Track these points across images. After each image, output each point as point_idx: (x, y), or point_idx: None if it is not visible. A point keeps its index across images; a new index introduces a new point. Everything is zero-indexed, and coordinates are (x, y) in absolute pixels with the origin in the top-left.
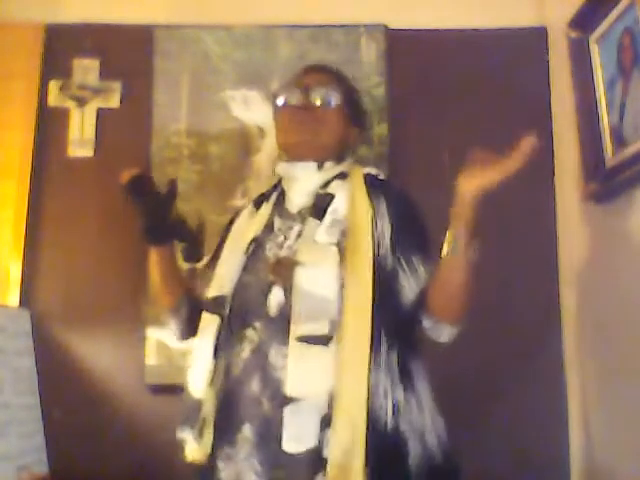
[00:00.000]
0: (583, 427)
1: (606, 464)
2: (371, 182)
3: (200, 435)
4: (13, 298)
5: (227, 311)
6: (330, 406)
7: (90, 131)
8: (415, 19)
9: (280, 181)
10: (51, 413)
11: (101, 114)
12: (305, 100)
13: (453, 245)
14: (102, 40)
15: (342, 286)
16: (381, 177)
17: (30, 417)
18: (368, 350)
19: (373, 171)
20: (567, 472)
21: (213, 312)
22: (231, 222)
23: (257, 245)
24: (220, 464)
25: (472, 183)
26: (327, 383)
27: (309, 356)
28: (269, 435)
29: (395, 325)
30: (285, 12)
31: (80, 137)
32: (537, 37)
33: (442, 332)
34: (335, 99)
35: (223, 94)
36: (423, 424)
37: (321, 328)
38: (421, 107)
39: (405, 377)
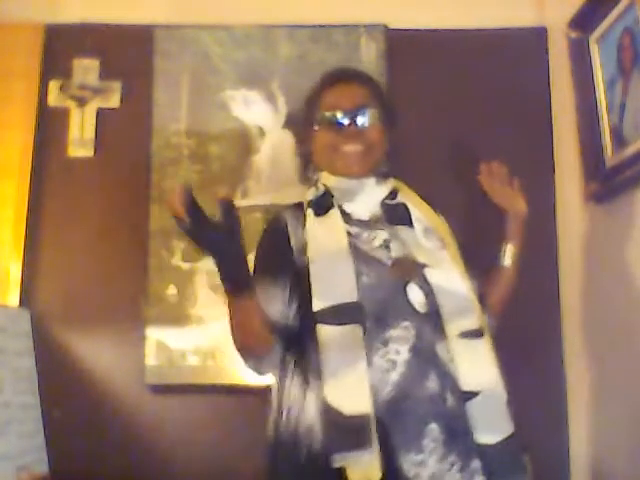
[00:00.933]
0: (583, 427)
1: (606, 464)
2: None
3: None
4: (13, 298)
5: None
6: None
7: (90, 131)
8: (415, 19)
9: (328, 190)
10: (51, 413)
11: (101, 114)
12: (350, 125)
13: (513, 257)
14: (102, 40)
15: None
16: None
17: (30, 417)
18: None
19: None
20: (567, 472)
21: (343, 322)
22: (272, 230)
23: (353, 249)
24: (409, 473)
25: (523, 205)
26: (494, 372)
27: (474, 350)
28: (458, 430)
29: None
30: (285, 12)
31: (80, 137)
32: (537, 37)
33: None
34: (376, 116)
35: (223, 94)
36: None
37: (474, 322)
38: (421, 107)
39: None
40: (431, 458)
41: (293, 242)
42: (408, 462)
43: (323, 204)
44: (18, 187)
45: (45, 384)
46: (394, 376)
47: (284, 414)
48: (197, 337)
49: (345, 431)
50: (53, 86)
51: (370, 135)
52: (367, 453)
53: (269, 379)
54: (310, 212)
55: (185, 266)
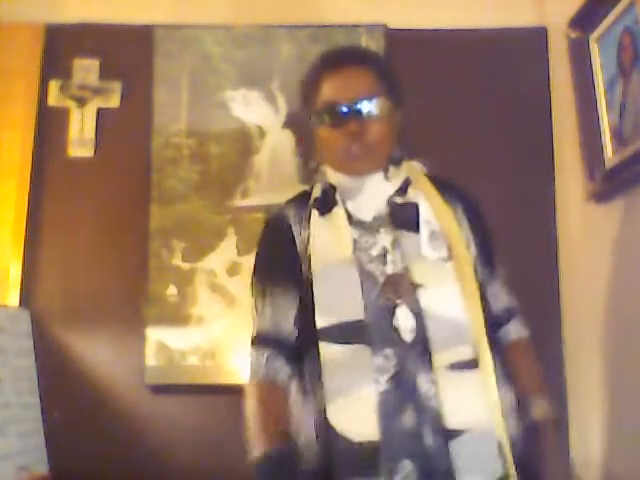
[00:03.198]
0: (583, 427)
1: (606, 464)
2: (442, 187)
3: None
4: (13, 298)
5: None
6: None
7: (90, 131)
8: (415, 19)
9: (331, 187)
10: (51, 413)
11: (101, 114)
12: (354, 120)
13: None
14: (102, 40)
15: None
16: (446, 180)
17: (30, 417)
18: (493, 369)
19: (420, 166)
20: (567, 474)
21: (348, 341)
22: (275, 229)
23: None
24: None
25: None
26: (487, 408)
27: (463, 383)
28: (435, 470)
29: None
30: (285, 12)
31: (80, 137)
32: (537, 37)
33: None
34: (383, 105)
35: (223, 94)
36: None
37: (466, 352)
38: (421, 107)
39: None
40: None
41: (299, 246)
42: None
43: (327, 201)
44: (18, 187)
45: (45, 384)
46: None
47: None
48: (197, 337)
49: (355, 459)
50: (53, 86)
51: (377, 127)
52: None
53: None
54: (314, 212)
55: (185, 266)
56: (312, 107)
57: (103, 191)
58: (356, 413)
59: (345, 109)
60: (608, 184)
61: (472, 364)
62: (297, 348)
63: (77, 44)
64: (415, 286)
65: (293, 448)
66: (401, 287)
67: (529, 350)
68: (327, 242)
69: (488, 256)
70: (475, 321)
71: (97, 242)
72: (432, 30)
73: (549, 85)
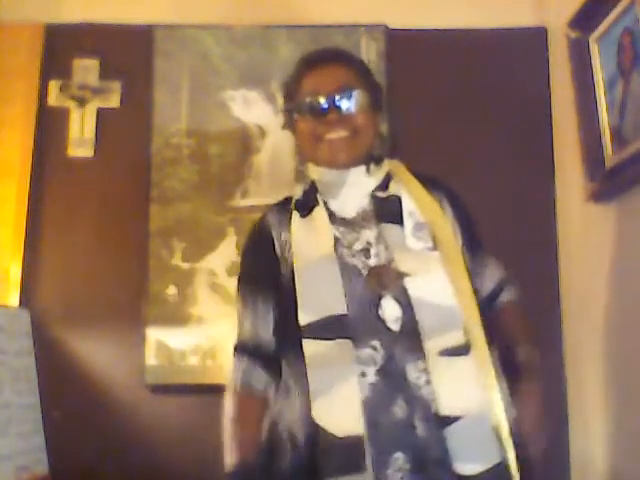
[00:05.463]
0: (583, 427)
1: (606, 464)
2: (424, 180)
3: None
4: (13, 298)
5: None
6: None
7: (90, 131)
8: (415, 19)
9: (313, 185)
10: (51, 413)
11: (101, 114)
12: (332, 111)
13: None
14: (102, 40)
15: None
16: (428, 175)
17: (30, 417)
18: (489, 354)
19: (400, 164)
20: (567, 472)
21: (330, 337)
22: (255, 237)
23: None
24: None
25: None
26: (481, 393)
27: (456, 368)
28: (428, 459)
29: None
30: (285, 12)
31: (80, 137)
32: (537, 37)
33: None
34: (362, 98)
35: (223, 94)
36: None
37: (457, 337)
38: (421, 107)
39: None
40: None
41: (278, 249)
42: None
43: (307, 202)
44: (18, 187)
45: (45, 384)
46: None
47: (268, 424)
48: (197, 337)
49: (339, 454)
50: (53, 86)
51: (356, 119)
52: (361, 477)
53: None
54: (295, 214)
55: (185, 266)
56: (294, 105)
57: (103, 191)
58: (339, 408)
59: (324, 101)
60: (608, 184)
61: (464, 349)
62: (276, 357)
63: (77, 44)
64: (401, 275)
65: (262, 462)
66: (386, 277)
67: (518, 309)
68: (308, 241)
69: (475, 242)
70: (466, 305)
71: (97, 242)
72: (432, 30)
73: (549, 85)
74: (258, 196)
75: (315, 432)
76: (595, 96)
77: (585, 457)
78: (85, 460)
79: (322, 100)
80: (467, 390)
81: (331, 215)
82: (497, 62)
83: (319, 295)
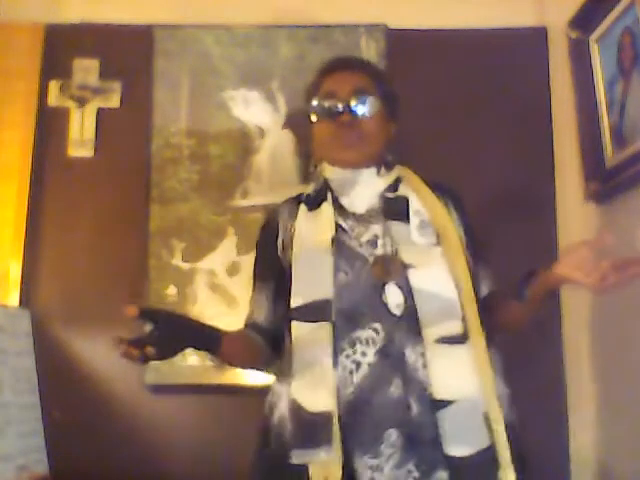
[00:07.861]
0: (583, 427)
1: (606, 464)
2: (432, 185)
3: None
4: (13, 298)
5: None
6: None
7: (90, 131)
8: (415, 19)
9: (325, 182)
10: (51, 413)
11: (101, 114)
12: (346, 113)
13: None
14: (102, 40)
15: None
16: (436, 181)
17: (30, 417)
18: (485, 345)
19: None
20: (567, 472)
21: (313, 319)
22: (264, 227)
23: (338, 245)
24: (364, 476)
25: (569, 274)
26: (475, 380)
27: (452, 356)
28: (421, 438)
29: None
30: (285, 12)
31: (80, 137)
32: (537, 37)
33: None
34: (376, 105)
35: (223, 94)
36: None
37: (455, 327)
38: (421, 107)
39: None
40: (387, 464)
41: (280, 238)
42: (362, 465)
43: (317, 198)
44: (18, 187)
45: (45, 384)
46: (356, 378)
47: (267, 410)
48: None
49: (306, 428)
50: (53, 86)
51: (368, 124)
52: (325, 452)
53: (268, 379)
54: (303, 207)
55: (185, 266)
56: (311, 107)
57: (103, 191)
58: (313, 385)
59: (339, 104)
60: (608, 184)
61: (461, 338)
62: (274, 337)
63: (77, 44)
64: (405, 266)
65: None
66: (391, 266)
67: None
68: (308, 232)
69: (475, 250)
70: (466, 297)
71: (97, 242)
72: (432, 30)
73: (549, 85)
74: (258, 196)
75: (293, 408)
76: (595, 96)
77: (584, 453)
78: (85, 460)
79: (337, 103)
80: (461, 376)
81: (342, 209)
82: (497, 62)
83: (309, 280)
